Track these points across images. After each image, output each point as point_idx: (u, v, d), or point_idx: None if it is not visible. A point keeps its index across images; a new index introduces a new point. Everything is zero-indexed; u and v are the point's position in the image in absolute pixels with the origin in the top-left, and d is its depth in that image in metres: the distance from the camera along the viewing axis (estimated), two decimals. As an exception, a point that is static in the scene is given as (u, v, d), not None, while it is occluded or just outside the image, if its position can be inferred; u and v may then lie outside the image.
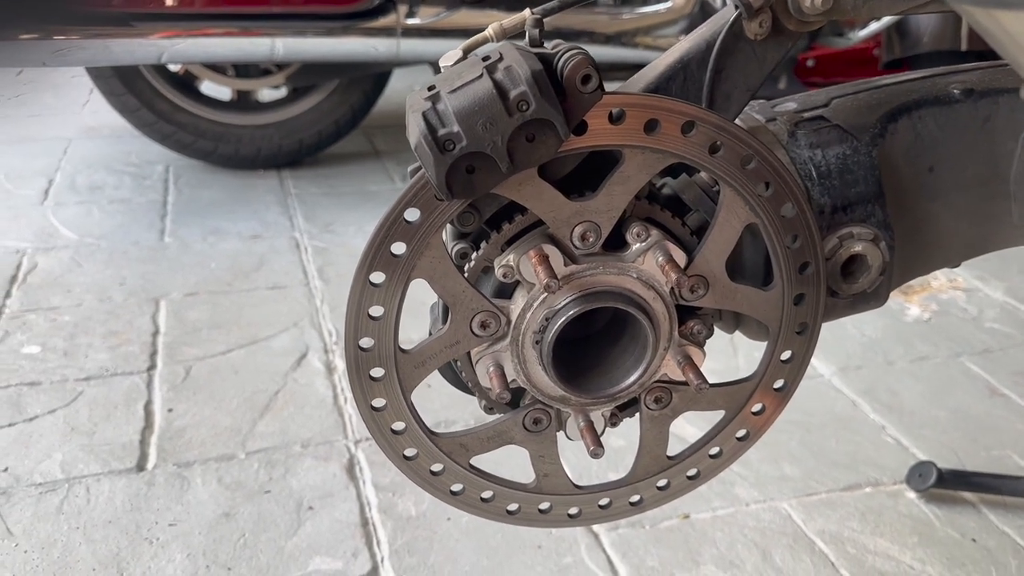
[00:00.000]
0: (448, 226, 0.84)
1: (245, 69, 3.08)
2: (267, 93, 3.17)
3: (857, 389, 1.95)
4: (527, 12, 0.82)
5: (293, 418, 1.79)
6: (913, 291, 2.41)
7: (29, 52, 2.42)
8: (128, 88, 2.92)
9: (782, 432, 1.77)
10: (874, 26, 2.96)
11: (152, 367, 1.95)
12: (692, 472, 0.97)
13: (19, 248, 2.50)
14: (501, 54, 0.74)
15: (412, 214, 0.79)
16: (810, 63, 3.40)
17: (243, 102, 3.13)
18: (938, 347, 2.14)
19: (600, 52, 2.82)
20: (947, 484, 1.61)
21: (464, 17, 2.63)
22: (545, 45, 0.80)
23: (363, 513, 1.54)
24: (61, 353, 1.99)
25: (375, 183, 3.09)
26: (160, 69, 2.96)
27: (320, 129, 3.12)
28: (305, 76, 3.03)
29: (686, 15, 2.79)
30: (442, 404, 1.80)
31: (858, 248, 0.90)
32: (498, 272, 0.83)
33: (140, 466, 1.65)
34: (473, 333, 0.84)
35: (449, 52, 0.80)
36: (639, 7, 2.84)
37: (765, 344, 0.92)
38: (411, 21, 2.62)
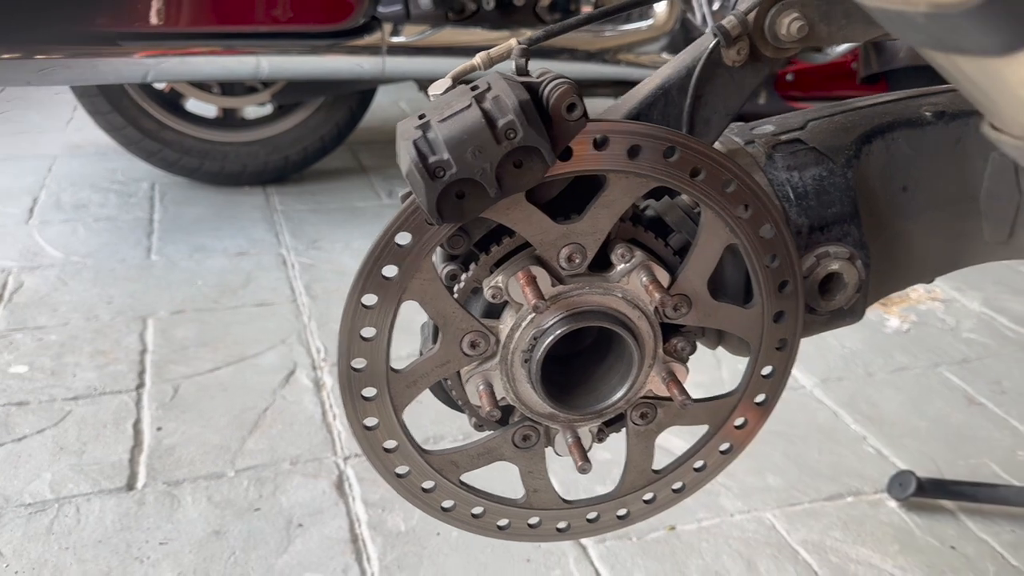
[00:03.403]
0: (438, 249, 0.86)
1: (230, 87, 3.10)
2: (253, 110, 3.19)
3: (838, 400, 1.98)
4: (513, 42, 0.84)
5: (282, 435, 1.80)
6: (892, 303, 2.45)
7: (13, 71, 2.43)
8: (113, 106, 2.93)
9: (766, 443, 1.80)
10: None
11: (140, 385, 1.96)
12: (677, 485, 0.99)
13: (4, 267, 2.49)
14: (489, 84, 0.77)
15: (403, 238, 0.81)
16: (789, 78, 3.45)
17: (229, 119, 3.14)
18: (917, 358, 2.18)
19: (583, 69, 2.85)
20: (927, 493, 1.64)
21: (449, 35, 2.66)
22: (531, 73, 0.82)
23: (353, 529, 1.56)
24: (48, 373, 1.99)
25: (362, 199, 3.11)
26: (145, 87, 2.97)
27: (306, 146, 3.14)
28: (291, 93, 3.05)
29: (667, 32, 2.83)
30: (430, 419, 1.81)
31: (835, 267, 0.93)
32: (487, 293, 0.85)
33: (130, 485, 1.65)
34: (463, 352, 0.86)
35: (438, 81, 0.82)
36: (621, 25, 2.88)
37: (747, 359, 0.95)
38: (396, 39, 2.65)
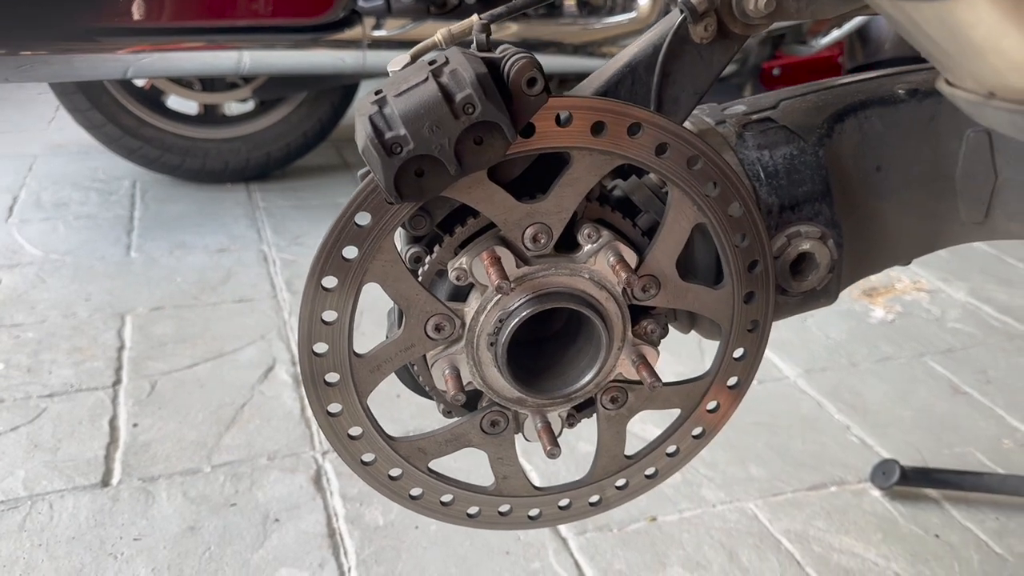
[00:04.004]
0: (401, 231, 0.84)
1: (212, 83, 3.07)
2: (234, 106, 3.16)
3: (822, 390, 1.97)
4: (475, 18, 0.83)
5: (260, 431, 1.78)
6: (877, 293, 2.44)
7: (-9, 68, 2.40)
8: (93, 103, 2.90)
9: (748, 433, 1.78)
10: (836, 33, 3.00)
11: (117, 382, 1.93)
12: (650, 471, 0.97)
13: (-18, 265, 2.47)
14: (447, 58, 0.75)
15: (363, 218, 0.79)
16: (776, 72, 3.45)
17: (210, 116, 3.11)
18: (902, 348, 2.16)
19: (568, 62, 2.84)
20: (910, 481, 1.63)
21: (430, 29, 2.64)
22: (494, 50, 0.81)
23: (330, 524, 1.54)
24: (25, 370, 1.97)
25: (345, 195, 3.06)
26: (126, 84, 2.94)
27: (288, 142, 3.12)
28: (272, 89, 3.02)
29: (650, 25, 2.82)
30: (411, 414, 1.79)
31: (806, 246, 0.92)
32: (451, 275, 0.83)
33: (105, 481, 1.63)
34: (428, 336, 0.84)
35: (397, 57, 0.81)
36: (605, 18, 2.87)
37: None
38: (377, 33, 2.63)
